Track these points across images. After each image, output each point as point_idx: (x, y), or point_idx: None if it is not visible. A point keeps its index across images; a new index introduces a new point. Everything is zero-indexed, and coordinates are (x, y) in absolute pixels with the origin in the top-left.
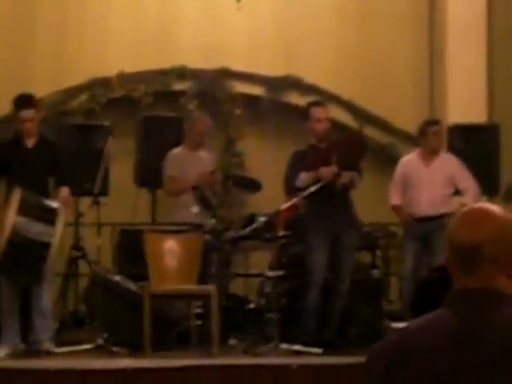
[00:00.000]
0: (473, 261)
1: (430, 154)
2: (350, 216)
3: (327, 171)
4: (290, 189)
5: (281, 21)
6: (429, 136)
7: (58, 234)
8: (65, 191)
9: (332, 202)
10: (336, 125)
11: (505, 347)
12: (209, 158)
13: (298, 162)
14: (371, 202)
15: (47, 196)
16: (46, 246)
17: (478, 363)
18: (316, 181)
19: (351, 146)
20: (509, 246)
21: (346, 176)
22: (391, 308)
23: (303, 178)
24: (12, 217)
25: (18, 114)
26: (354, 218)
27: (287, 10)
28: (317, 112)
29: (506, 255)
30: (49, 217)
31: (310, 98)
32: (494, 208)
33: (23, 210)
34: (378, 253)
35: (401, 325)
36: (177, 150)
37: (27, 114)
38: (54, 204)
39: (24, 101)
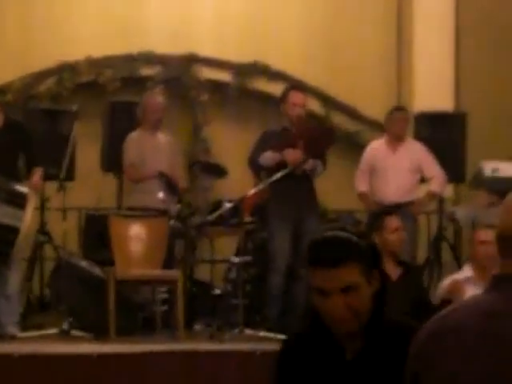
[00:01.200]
0: None
1: (396, 141)
2: (312, 202)
3: (292, 154)
4: (253, 165)
5: (249, 6)
6: (393, 122)
7: (26, 219)
8: (37, 174)
9: (295, 188)
10: (309, 112)
11: None
12: (168, 140)
13: (266, 141)
14: (338, 189)
15: (17, 179)
16: (14, 230)
17: (504, 351)
18: (280, 163)
19: (320, 135)
20: None
21: (310, 163)
22: None
23: (268, 156)
24: None
25: None
26: (316, 204)
27: None
28: (295, 96)
29: None
30: (18, 201)
31: (278, 85)
32: None
33: None
34: None
35: None
36: (134, 134)
37: None
38: (24, 188)
39: None
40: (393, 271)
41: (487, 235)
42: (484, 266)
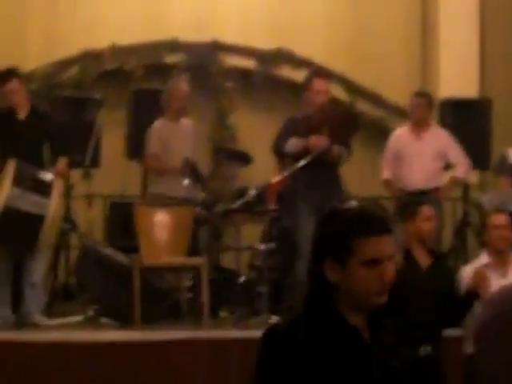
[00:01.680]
0: None
1: (420, 127)
2: (337, 189)
3: (317, 141)
4: (278, 151)
5: None
6: (414, 107)
7: (52, 207)
8: (62, 162)
9: (320, 175)
10: (333, 99)
11: None
12: (191, 127)
13: (290, 128)
14: (363, 176)
15: (42, 167)
16: (39, 218)
17: None
18: (305, 150)
19: (344, 122)
20: None
21: (335, 150)
22: None
23: (293, 143)
24: (7, 188)
25: (6, 89)
26: (342, 191)
27: None
28: (318, 83)
29: None
30: (44, 189)
31: (302, 72)
32: None
33: (18, 181)
34: None
35: None
36: (158, 123)
37: (11, 85)
38: (49, 176)
39: (6, 74)
40: (424, 259)
41: (501, 219)
42: (499, 250)
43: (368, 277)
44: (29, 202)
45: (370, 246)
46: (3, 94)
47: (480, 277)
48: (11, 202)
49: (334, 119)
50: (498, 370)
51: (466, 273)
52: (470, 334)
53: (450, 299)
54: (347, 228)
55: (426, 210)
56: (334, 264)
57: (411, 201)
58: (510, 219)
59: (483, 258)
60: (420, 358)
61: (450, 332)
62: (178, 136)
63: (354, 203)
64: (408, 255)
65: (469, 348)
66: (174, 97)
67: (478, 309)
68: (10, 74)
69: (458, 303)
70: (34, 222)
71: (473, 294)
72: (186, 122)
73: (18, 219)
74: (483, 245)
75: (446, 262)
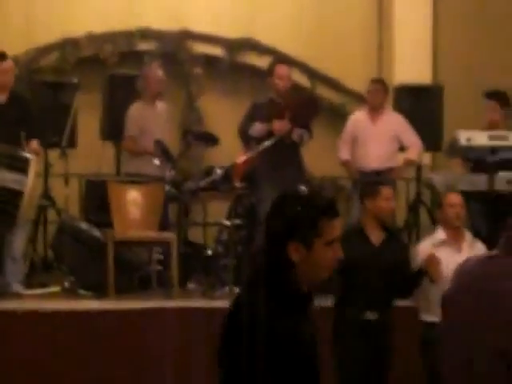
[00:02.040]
0: None
1: (375, 112)
2: (299, 169)
3: (280, 125)
4: (243, 135)
5: None
6: (371, 93)
7: (30, 183)
8: (34, 143)
9: (283, 156)
10: (295, 85)
11: None
12: (165, 108)
13: (255, 113)
14: (323, 157)
15: (20, 147)
16: (18, 194)
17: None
18: (268, 133)
19: (305, 106)
20: None
21: (297, 132)
22: None
23: (257, 127)
24: None
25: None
26: (303, 170)
27: None
28: (281, 69)
29: None
30: (21, 166)
31: (267, 59)
32: None
33: None
34: None
35: None
36: (135, 107)
37: (5, 65)
38: (26, 154)
39: (2, 55)
40: (377, 236)
41: (456, 199)
42: (455, 227)
43: (328, 255)
44: (7, 179)
45: (333, 228)
46: None
47: (431, 259)
48: None
49: (296, 104)
50: (461, 335)
51: (421, 248)
52: (423, 304)
53: (401, 272)
54: (316, 212)
55: (387, 191)
56: (299, 246)
57: (372, 181)
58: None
59: (439, 235)
60: (367, 321)
61: (405, 302)
62: (154, 119)
63: (304, 188)
64: (361, 232)
65: (423, 317)
66: (151, 82)
67: (426, 282)
68: (4, 55)
69: (409, 277)
70: (13, 197)
71: (423, 271)
72: (161, 106)
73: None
74: (436, 222)
75: (398, 238)
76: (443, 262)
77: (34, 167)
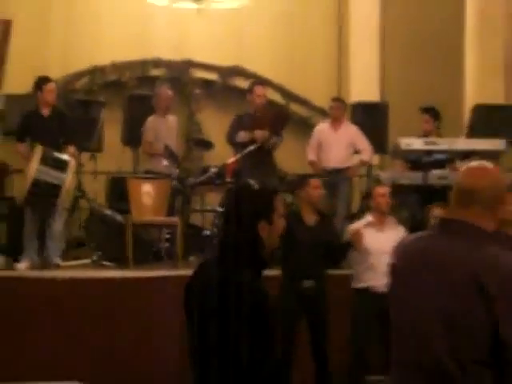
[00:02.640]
0: (468, 199)
1: (336, 123)
2: (273, 168)
3: (261, 134)
4: (230, 141)
5: (230, 26)
6: (332, 109)
7: (68, 179)
8: (71, 148)
9: (261, 157)
10: (269, 101)
11: (461, 270)
12: (174, 120)
13: (238, 124)
14: (294, 158)
15: (60, 151)
16: (58, 187)
17: (438, 279)
18: (250, 140)
19: (278, 118)
20: (498, 194)
21: (273, 140)
22: None
23: (241, 135)
24: (34, 166)
25: (45, 88)
26: (276, 169)
27: (236, 16)
28: (258, 89)
29: (494, 200)
30: (62, 166)
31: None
32: (490, 166)
33: (43, 161)
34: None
35: None
36: (151, 118)
37: (50, 86)
38: (66, 157)
39: (46, 79)
40: (311, 218)
41: (384, 190)
42: (382, 212)
43: (281, 225)
44: (51, 176)
45: (281, 203)
46: (45, 91)
47: (356, 233)
48: (38, 176)
49: (271, 116)
50: (408, 301)
51: (352, 227)
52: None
53: (331, 246)
54: (271, 194)
55: (314, 181)
56: (265, 224)
57: (303, 175)
58: (391, 190)
59: (368, 218)
60: (305, 289)
61: (337, 271)
62: (166, 129)
63: (253, 182)
64: (297, 215)
65: (352, 284)
66: (162, 99)
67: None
68: (48, 78)
69: (338, 250)
70: (54, 190)
71: (349, 245)
72: (172, 118)
73: (43, 188)
74: (368, 208)
75: (329, 220)
76: (367, 239)
77: (71, 167)
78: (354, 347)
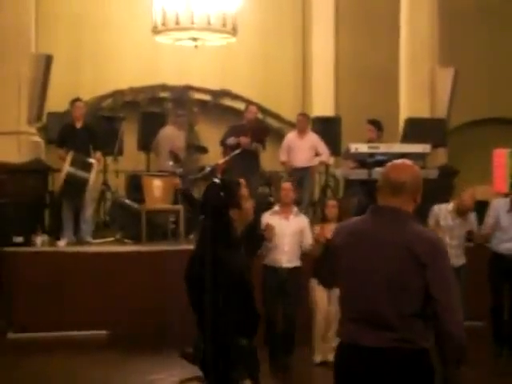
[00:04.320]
0: (396, 190)
1: (301, 133)
2: (256, 167)
3: (244, 139)
4: (222, 143)
5: (221, 57)
6: (298, 122)
7: (92, 177)
8: (98, 154)
9: (247, 159)
10: (257, 118)
11: (397, 244)
12: (183, 133)
13: (231, 131)
14: (271, 160)
15: (89, 155)
16: (85, 183)
17: (379, 252)
18: (237, 145)
19: (261, 130)
20: (417, 185)
21: (254, 145)
22: None
23: (231, 139)
24: (66, 167)
25: (74, 105)
26: (259, 168)
27: (225, 52)
28: (252, 108)
29: (416, 189)
30: (88, 167)
31: (237, 103)
32: (410, 162)
33: (73, 163)
34: (274, 187)
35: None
36: (167, 129)
37: (79, 104)
38: (91, 160)
39: (77, 99)
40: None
41: (287, 185)
42: (286, 203)
43: (248, 206)
44: (78, 175)
45: (245, 191)
46: (74, 108)
47: (267, 226)
48: (68, 175)
49: (255, 128)
50: (356, 270)
51: (263, 217)
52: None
53: (250, 237)
54: (237, 185)
55: (243, 188)
56: (235, 210)
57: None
58: (293, 185)
59: (275, 208)
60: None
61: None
62: (177, 138)
63: (217, 178)
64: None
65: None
66: (177, 119)
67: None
68: (79, 98)
69: (255, 240)
70: (81, 186)
71: (263, 236)
72: (181, 132)
73: (72, 184)
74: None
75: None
76: (276, 227)
77: (95, 169)
78: (265, 313)
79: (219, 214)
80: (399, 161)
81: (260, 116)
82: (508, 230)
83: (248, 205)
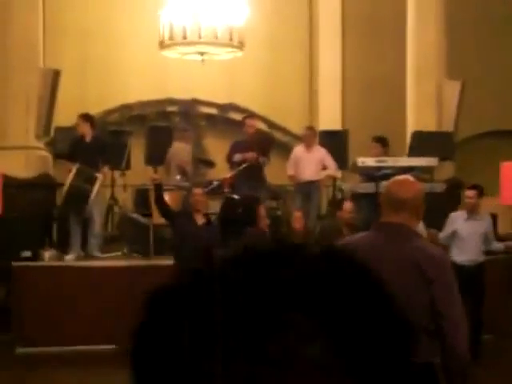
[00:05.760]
0: (399, 207)
1: (308, 146)
2: (262, 181)
3: (250, 155)
4: (228, 161)
5: (227, 71)
6: (305, 136)
7: (95, 190)
8: (105, 168)
9: (252, 173)
10: (257, 130)
11: (404, 260)
12: (189, 147)
13: (234, 148)
14: (278, 174)
15: (97, 169)
16: (87, 196)
17: (387, 269)
18: (243, 159)
19: (264, 142)
20: (419, 202)
21: (260, 159)
22: None
23: (237, 156)
24: (69, 180)
25: (76, 124)
26: (265, 181)
27: (231, 66)
28: (249, 121)
29: (416, 207)
30: (92, 180)
31: (243, 115)
32: (412, 179)
33: (77, 176)
34: (281, 201)
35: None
36: (174, 145)
37: (79, 121)
38: (96, 174)
39: (84, 115)
40: (200, 219)
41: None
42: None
43: (265, 222)
44: (82, 187)
45: (263, 210)
46: (76, 125)
47: None
48: (72, 187)
49: (259, 141)
50: None
51: None
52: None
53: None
54: (255, 204)
55: (196, 190)
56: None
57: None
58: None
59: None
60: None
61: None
62: (186, 152)
63: (236, 195)
64: (190, 215)
65: None
66: (186, 133)
67: None
68: (88, 114)
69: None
70: (84, 199)
71: None
72: (189, 146)
73: (75, 197)
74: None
75: (213, 223)
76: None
77: (98, 182)
78: None
79: (235, 231)
80: (401, 177)
81: (267, 129)
82: (467, 239)
83: (264, 223)
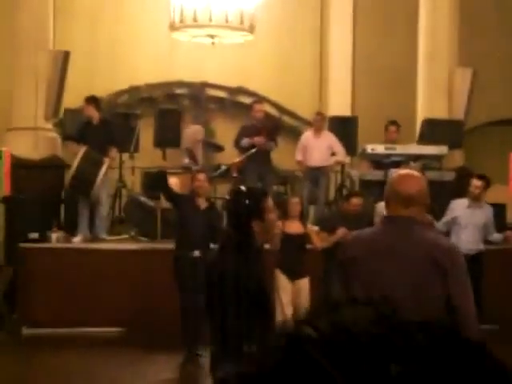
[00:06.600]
0: (408, 202)
1: (318, 132)
2: (269, 166)
3: (258, 139)
4: (236, 145)
5: (237, 54)
6: (314, 121)
7: (101, 172)
8: (113, 150)
9: (260, 158)
10: (266, 114)
11: (418, 253)
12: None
13: (242, 132)
14: (287, 159)
15: (105, 151)
16: (94, 179)
17: (401, 263)
18: (251, 144)
19: (273, 127)
20: (426, 195)
21: (268, 144)
22: None
23: (245, 141)
24: (75, 163)
25: (82, 107)
26: (272, 166)
27: (241, 49)
28: (256, 106)
29: (424, 200)
30: (98, 163)
31: (253, 99)
32: (417, 174)
33: (84, 158)
34: (289, 186)
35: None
36: (187, 128)
37: (84, 104)
38: (102, 156)
39: (91, 97)
40: (202, 203)
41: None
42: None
43: (272, 217)
44: (88, 171)
45: (270, 202)
46: (82, 108)
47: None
48: (79, 168)
49: (267, 126)
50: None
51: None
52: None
53: (213, 228)
54: (262, 196)
55: (199, 176)
56: (258, 222)
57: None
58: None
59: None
60: (194, 257)
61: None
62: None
63: (243, 187)
64: (193, 200)
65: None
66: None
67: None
68: (95, 96)
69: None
70: (90, 182)
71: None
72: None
73: (81, 180)
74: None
75: (215, 207)
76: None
77: (105, 166)
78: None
79: (242, 223)
80: (404, 172)
81: (276, 114)
82: (466, 227)
83: (272, 216)
